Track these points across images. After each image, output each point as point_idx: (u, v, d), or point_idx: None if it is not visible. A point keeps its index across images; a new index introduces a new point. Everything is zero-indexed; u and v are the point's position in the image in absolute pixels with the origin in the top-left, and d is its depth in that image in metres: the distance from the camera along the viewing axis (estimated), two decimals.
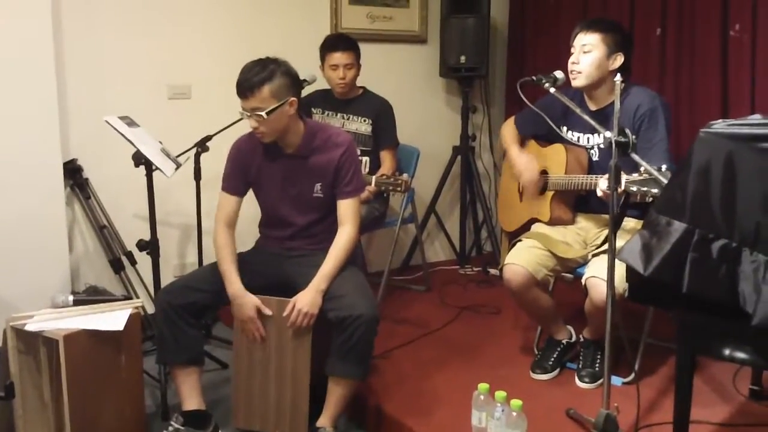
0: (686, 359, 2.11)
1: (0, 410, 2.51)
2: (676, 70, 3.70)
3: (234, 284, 2.58)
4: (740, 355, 2.01)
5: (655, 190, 2.19)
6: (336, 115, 3.76)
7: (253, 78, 2.47)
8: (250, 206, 2.84)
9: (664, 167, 2.23)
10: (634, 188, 2.22)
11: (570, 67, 2.87)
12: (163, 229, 3.35)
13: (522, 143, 3.25)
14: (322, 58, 3.64)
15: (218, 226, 2.70)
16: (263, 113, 2.48)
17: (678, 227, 1.82)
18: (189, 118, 3.68)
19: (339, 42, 3.62)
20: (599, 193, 2.60)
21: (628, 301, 2.24)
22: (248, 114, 2.51)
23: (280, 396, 2.59)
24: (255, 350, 2.60)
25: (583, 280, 2.77)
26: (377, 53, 4.18)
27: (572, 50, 2.90)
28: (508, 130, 3.29)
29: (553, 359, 3.07)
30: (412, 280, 4.36)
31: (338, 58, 3.58)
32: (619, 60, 2.86)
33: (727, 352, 2.03)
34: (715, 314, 1.89)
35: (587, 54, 2.84)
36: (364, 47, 3.70)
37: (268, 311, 2.55)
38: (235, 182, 2.72)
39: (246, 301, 2.55)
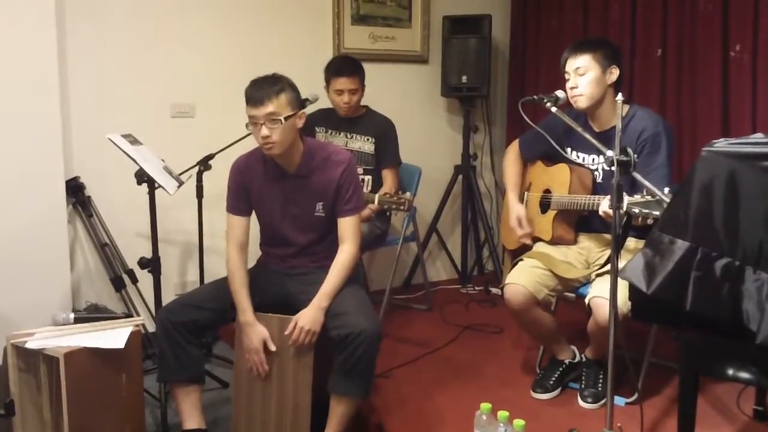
0: (689, 379, 2.11)
1: (0, 428, 2.50)
2: (677, 90, 3.72)
3: (246, 312, 2.57)
4: (744, 374, 2.01)
5: (656, 213, 2.19)
6: (339, 133, 3.77)
7: (268, 87, 2.49)
8: (253, 225, 2.83)
9: (666, 190, 2.23)
10: (636, 210, 2.22)
11: (570, 92, 2.88)
12: (164, 247, 3.34)
13: (528, 164, 3.26)
14: (327, 81, 3.66)
15: (230, 249, 2.69)
16: (281, 118, 2.49)
17: (681, 245, 1.81)
18: (192, 137, 3.70)
19: (344, 67, 3.63)
20: (601, 214, 2.60)
21: (631, 321, 2.24)
22: (261, 122, 2.49)
23: (281, 415, 2.57)
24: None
25: (586, 301, 2.76)
26: (379, 73, 4.20)
27: (566, 76, 2.91)
28: (511, 161, 3.29)
29: (554, 379, 3.06)
30: (414, 299, 4.35)
31: (343, 83, 3.60)
32: (615, 73, 2.87)
33: (730, 371, 2.02)
34: (718, 333, 1.89)
35: (583, 76, 2.85)
36: (366, 67, 3.71)
37: (273, 347, 2.54)
38: (239, 203, 2.72)
39: (254, 331, 2.54)
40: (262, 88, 2.49)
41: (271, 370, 2.57)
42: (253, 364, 2.55)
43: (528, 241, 3.11)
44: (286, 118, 2.49)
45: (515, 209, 3.16)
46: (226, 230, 2.71)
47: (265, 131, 2.50)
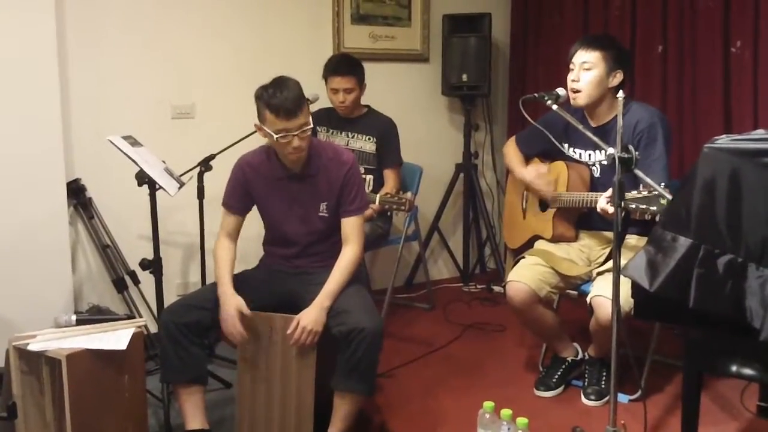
0: (693, 376, 2.10)
1: (2, 431, 2.50)
2: (678, 87, 3.71)
3: (223, 285, 2.59)
4: (748, 371, 2.00)
5: (654, 208, 2.19)
6: (340, 133, 3.77)
7: (294, 96, 2.47)
8: (255, 225, 2.84)
9: (662, 185, 2.23)
10: (634, 206, 2.22)
11: (570, 85, 2.87)
12: (166, 249, 3.35)
13: (525, 163, 3.26)
14: (325, 80, 3.66)
15: (219, 236, 2.74)
16: (310, 127, 2.51)
17: (683, 243, 1.81)
18: (192, 138, 3.70)
19: (340, 66, 3.62)
20: (599, 211, 2.60)
21: (633, 319, 2.23)
22: (294, 133, 2.48)
23: (285, 414, 2.57)
24: (259, 369, 2.59)
25: (588, 299, 2.76)
26: (380, 72, 4.20)
27: (571, 67, 2.90)
28: (511, 151, 3.29)
29: (557, 376, 3.06)
30: (416, 298, 4.35)
31: (338, 82, 3.59)
32: (618, 77, 2.86)
33: (734, 368, 2.02)
34: (721, 330, 1.88)
35: (587, 71, 2.85)
36: (366, 66, 3.71)
37: (247, 311, 2.53)
38: (237, 201, 2.72)
39: (230, 301, 2.54)
40: (290, 99, 2.46)
41: (274, 369, 2.57)
42: (228, 334, 2.55)
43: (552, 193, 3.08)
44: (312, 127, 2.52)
45: (529, 170, 3.16)
46: (220, 225, 2.74)
47: (297, 142, 2.50)
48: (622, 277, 2.08)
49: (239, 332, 2.53)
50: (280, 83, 2.50)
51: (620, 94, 2.27)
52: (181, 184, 2.99)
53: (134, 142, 2.92)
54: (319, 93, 3.61)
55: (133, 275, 3.57)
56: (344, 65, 3.63)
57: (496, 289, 4.40)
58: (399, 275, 4.15)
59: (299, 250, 2.72)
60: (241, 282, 2.63)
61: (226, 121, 3.61)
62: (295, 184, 2.66)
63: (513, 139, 3.33)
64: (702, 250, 1.78)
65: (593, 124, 2.95)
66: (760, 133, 1.81)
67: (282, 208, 2.69)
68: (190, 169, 3.28)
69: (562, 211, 3.02)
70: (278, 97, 2.46)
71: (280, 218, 2.70)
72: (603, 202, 2.57)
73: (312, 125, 2.53)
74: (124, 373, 2.53)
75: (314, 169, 2.65)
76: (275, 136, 2.49)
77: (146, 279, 3.24)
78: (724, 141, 1.79)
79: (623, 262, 2.07)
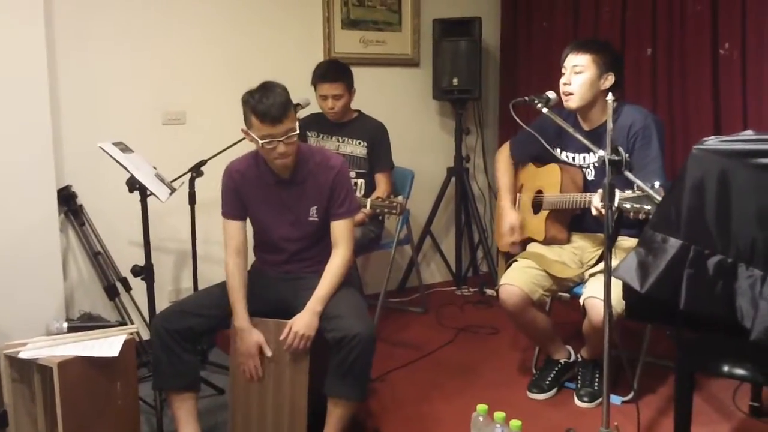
0: (685, 377, 2.11)
1: None
2: (668, 89, 3.73)
3: (240, 317, 2.56)
4: (739, 371, 2.01)
5: (648, 207, 2.20)
6: (331, 138, 3.77)
7: (280, 102, 2.45)
8: (247, 230, 2.83)
9: (657, 184, 2.24)
10: (627, 205, 2.22)
11: (562, 88, 2.89)
12: (157, 255, 3.34)
13: (519, 166, 3.27)
14: (314, 86, 3.65)
15: (228, 253, 2.67)
16: (297, 133, 2.50)
17: (673, 244, 1.82)
18: (183, 144, 3.69)
19: (328, 73, 3.62)
20: (593, 211, 2.61)
21: (625, 320, 2.24)
22: (280, 139, 2.48)
23: (278, 420, 2.56)
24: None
25: (581, 301, 2.76)
26: (370, 77, 4.20)
27: (563, 71, 2.92)
28: (503, 164, 3.29)
29: (550, 379, 3.06)
30: (409, 302, 4.35)
31: (326, 89, 3.59)
32: (610, 80, 2.88)
33: (726, 368, 2.03)
34: (713, 331, 1.89)
35: (579, 75, 2.86)
36: (357, 71, 3.71)
37: (269, 352, 2.53)
38: (234, 208, 2.71)
39: (250, 336, 2.53)
40: (275, 105, 2.45)
41: (267, 374, 2.56)
42: (248, 369, 2.55)
43: (515, 250, 3.11)
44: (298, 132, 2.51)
45: (509, 216, 3.16)
46: (224, 235, 2.71)
47: (282, 148, 2.49)
48: (614, 278, 2.08)
49: (258, 370, 2.53)
50: (267, 88, 2.49)
51: (610, 96, 2.28)
52: (173, 190, 2.99)
53: (125, 148, 2.91)
54: (309, 98, 3.61)
55: (124, 282, 3.55)
56: (332, 71, 3.63)
57: (489, 292, 4.40)
58: (392, 279, 4.15)
59: (290, 255, 2.72)
60: None
61: (217, 127, 3.60)
62: (284, 190, 2.66)
63: (506, 146, 3.33)
64: (692, 251, 1.79)
65: (586, 128, 2.96)
66: (749, 134, 1.82)
67: (272, 213, 2.68)
68: (182, 175, 3.27)
69: (555, 213, 3.03)
70: (264, 103, 2.45)
71: (270, 224, 2.70)
72: (597, 200, 2.57)
73: (298, 131, 2.52)
74: (117, 380, 2.52)
75: (303, 174, 2.65)
76: (260, 142, 2.48)
77: (138, 286, 3.23)
78: (713, 142, 1.80)
79: (616, 263, 2.08)
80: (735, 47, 3.38)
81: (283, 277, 2.72)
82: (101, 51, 3.53)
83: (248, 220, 2.76)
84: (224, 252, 2.68)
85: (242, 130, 2.57)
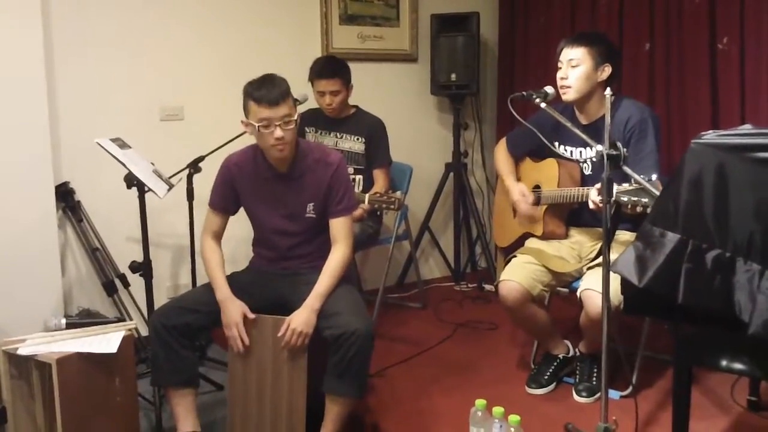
0: (683, 371, 2.11)
1: None
2: (665, 84, 3.73)
3: (221, 288, 2.58)
4: (737, 365, 2.02)
5: (645, 200, 2.20)
6: (329, 134, 3.76)
7: (278, 87, 2.49)
8: (243, 227, 2.83)
9: (654, 177, 2.24)
10: (625, 198, 2.23)
11: (559, 82, 2.89)
12: (155, 251, 3.33)
13: (516, 166, 3.27)
14: (311, 83, 3.65)
15: (204, 237, 2.73)
16: (294, 119, 2.51)
17: (672, 238, 1.82)
18: (181, 140, 3.68)
19: (325, 69, 3.60)
20: (591, 205, 2.61)
21: (623, 314, 2.24)
22: (277, 123, 2.48)
23: (277, 416, 2.56)
24: (250, 371, 2.58)
25: (578, 293, 2.77)
26: (368, 72, 4.20)
27: (559, 65, 2.92)
28: (501, 156, 3.29)
29: (548, 374, 3.06)
30: (408, 298, 4.35)
31: (323, 85, 3.58)
32: (607, 71, 2.88)
33: (724, 362, 2.03)
34: (711, 325, 1.89)
35: (575, 68, 2.86)
36: (355, 67, 3.71)
37: (252, 315, 2.53)
38: (224, 201, 2.72)
39: (233, 305, 2.54)
40: (273, 89, 2.48)
41: (265, 371, 2.56)
42: (232, 339, 2.53)
43: (532, 215, 3.09)
44: (296, 119, 2.52)
45: (514, 187, 3.16)
46: (205, 221, 2.74)
47: (279, 132, 2.49)
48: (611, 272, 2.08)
49: (245, 340, 2.53)
50: (267, 78, 2.53)
51: (608, 91, 2.28)
52: (170, 186, 2.98)
53: (123, 144, 2.91)
54: (308, 94, 3.61)
55: (122, 278, 3.55)
56: (329, 68, 3.61)
57: (488, 287, 4.41)
58: (390, 275, 4.15)
59: (287, 251, 2.71)
60: (230, 284, 2.62)
61: (215, 123, 3.60)
62: (281, 185, 2.66)
63: (503, 141, 3.34)
64: (690, 245, 1.79)
65: (584, 122, 2.96)
66: (747, 128, 1.82)
67: (268, 208, 2.68)
68: (179, 171, 3.27)
69: (552, 207, 3.03)
70: (260, 88, 2.49)
71: (266, 218, 2.70)
72: (594, 194, 2.57)
73: (297, 118, 2.53)
74: (115, 376, 2.52)
75: (301, 169, 2.64)
76: (257, 125, 2.49)
77: (136, 282, 3.22)
78: (711, 136, 1.80)
79: (615, 257, 2.08)
80: (733, 42, 3.38)
81: (281, 273, 2.72)
82: (99, 47, 3.52)
83: (248, 220, 2.77)
84: (201, 234, 2.72)
85: (242, 122, 2.57)
